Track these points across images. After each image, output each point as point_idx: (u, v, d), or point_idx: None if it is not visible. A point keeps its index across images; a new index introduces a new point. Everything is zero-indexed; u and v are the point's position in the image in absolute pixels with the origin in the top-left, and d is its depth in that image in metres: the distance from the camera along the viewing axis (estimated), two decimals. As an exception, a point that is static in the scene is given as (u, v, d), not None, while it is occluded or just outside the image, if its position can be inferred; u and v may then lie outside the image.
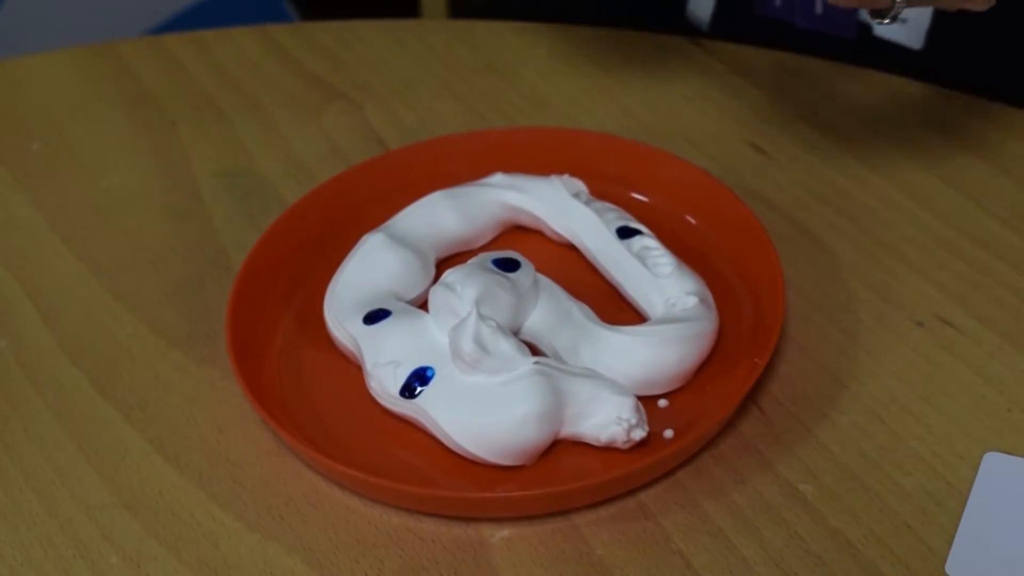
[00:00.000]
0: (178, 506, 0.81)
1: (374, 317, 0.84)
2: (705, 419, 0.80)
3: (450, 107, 1.04)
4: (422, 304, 0.86)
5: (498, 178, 0.92)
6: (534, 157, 0.94)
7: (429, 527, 0.79)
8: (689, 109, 1.02)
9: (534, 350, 0.83)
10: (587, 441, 0.80)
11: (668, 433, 0.81)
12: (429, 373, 0.81)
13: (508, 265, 0.85)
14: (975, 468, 0.79)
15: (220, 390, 0.86)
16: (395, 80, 1.06)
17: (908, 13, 1.02)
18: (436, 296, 0.83)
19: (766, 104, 1.01)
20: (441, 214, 0.91)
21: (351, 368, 0.85)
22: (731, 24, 1.07)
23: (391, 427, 0.82)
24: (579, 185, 0.92)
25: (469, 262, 0.85)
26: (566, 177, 0.92)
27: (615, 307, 0.87)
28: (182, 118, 1.05)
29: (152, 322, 0.91)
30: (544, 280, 0.86)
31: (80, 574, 0.78)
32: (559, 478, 0.79)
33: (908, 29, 1.04)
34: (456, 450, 0.80)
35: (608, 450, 0.80)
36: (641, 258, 0.86)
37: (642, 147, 0.94)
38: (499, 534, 0.78)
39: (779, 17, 1.05)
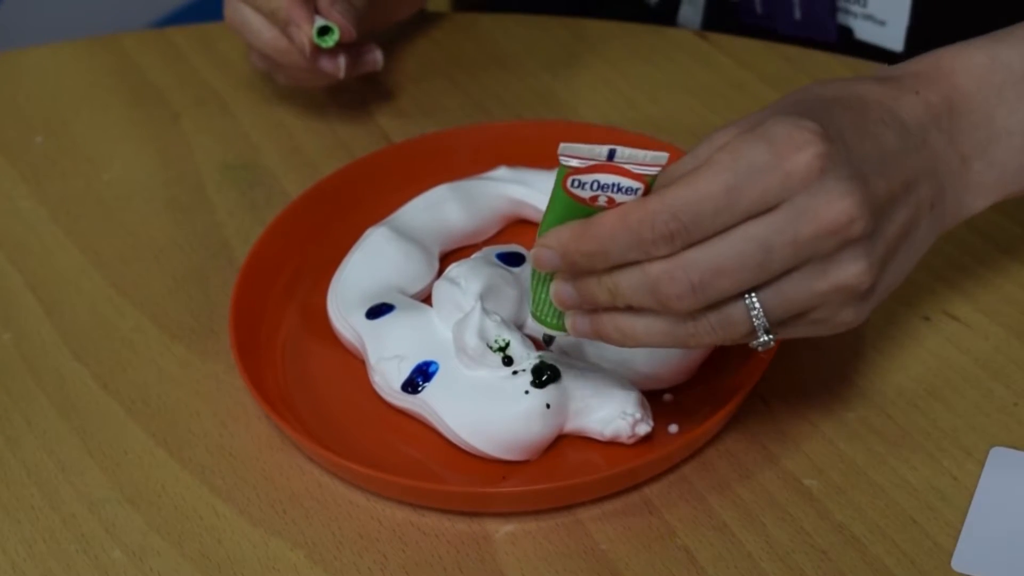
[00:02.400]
0: (181, 501, 0.81)
1: (378, 311, 0.84)
2: (710, 414, 0.80)
3: (454, 100, 1.04)
4: (426, 298, 0.86)
5: (502, 172, 0.92)
6: (538, 151, 0.93)
7: (433, 522, 0.78)
8: (694, 102, 1.01)
9: (539, 345, 0.83)
10: (591, 436, 0.80)
11: (673, 428, 0.80)
12: (432, 368, 0.81)
13: (512, 259, 0.85)
14: (982, 463, 0.78)
15: (223, 384, 0.86)
16: (399, 73, 1.06)
17: (886, 15, 1.02)
18: (440, 290, 0.83)
19: (771, 97, 1.00)
20: (445, 208, 0.90)
21: (355, 362, 0.85)
22: (719, 32, 1.07)
23: (395, 422, 0.82)
24: (584, 178, 0.91)
25: (473, 256, 0.85)
26: (571, 170, 0.91)
27: (620, 301, 0.86)
28: (186, 111, 1.05)
29: (155, 315, 0.90)
30: (548, 274, 0.86)
31: (83, 568, 0.78)
32: (563, 473, 0.79)
33: (887, 31, 1.03)
34: (460, 445, 0.80)
35: (612, 445, 0.79)
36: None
37: (647, 140, 0.93)
38: (503, 529, 0.78)
39: (762, 24, 1.06)
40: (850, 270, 0.71)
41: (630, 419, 0.78)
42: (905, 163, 0.74)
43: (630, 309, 0.71)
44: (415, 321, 0.83)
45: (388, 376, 0.82)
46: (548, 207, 0.72)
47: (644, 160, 0.70)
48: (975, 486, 0.77)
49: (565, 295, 0.73)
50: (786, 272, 0.70)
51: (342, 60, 0.96)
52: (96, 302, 0.92)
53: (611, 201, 0.70)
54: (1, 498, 0.82)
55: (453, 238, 0.90)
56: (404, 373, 0.81)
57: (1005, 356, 0.83)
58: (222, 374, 0.86)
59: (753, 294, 0.70)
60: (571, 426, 0.80)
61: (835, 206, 0.69)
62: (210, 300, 0.91)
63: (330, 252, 0.90)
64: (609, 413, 0.79)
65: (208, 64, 1.09)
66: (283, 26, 0.94)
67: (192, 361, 0.88)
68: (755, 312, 0.70)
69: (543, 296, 0.74)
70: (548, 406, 0.78)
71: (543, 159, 0.93)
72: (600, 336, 0.73)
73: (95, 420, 0.85)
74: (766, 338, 0.71)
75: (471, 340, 0.79)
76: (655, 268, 0.69)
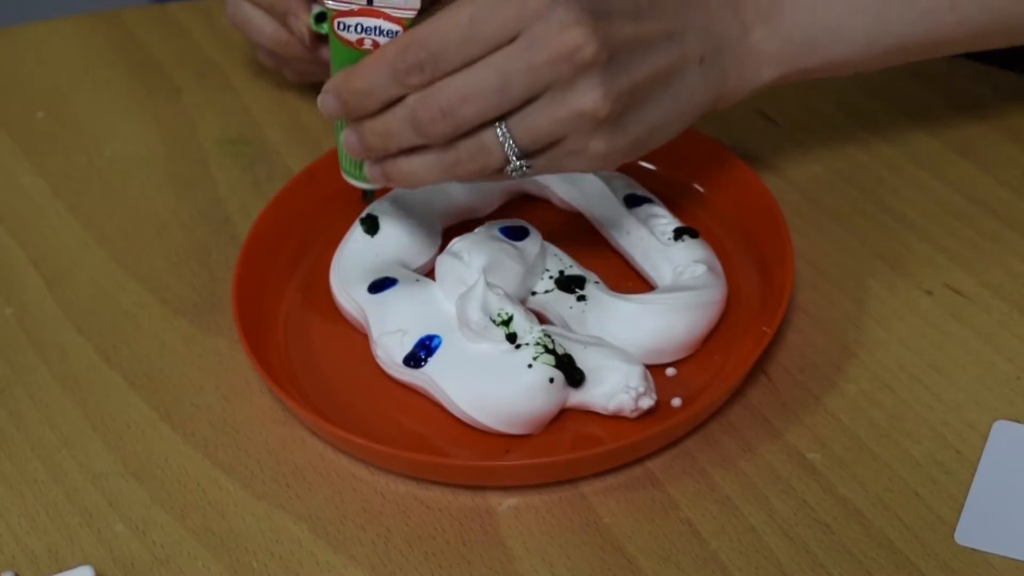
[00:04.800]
0: (184, 474, 0.81)
1: (380, 285, 0.84)
2: (713, 388, 0.80)
3: (456, 75, 1.03)
4: (429, 272, 0.86)
5: (505, 146, 0.92)
6: (541, 125, 0.93)
7: (436, 495, 0.78)
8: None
9: (541, 319, 0.83)
10: (595, 410, 0.80)
11: (676, 402, 0.80)
12: (435, 342, 0.81)
13: (516, 233, 0.85)
14: (984, 436, 0.78)
15: (226, 358, 0.86)
16: (401, 48, 1.06)
17: None
18: (443, 264, 0.83)
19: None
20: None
21: (358, 337, 0.85)
22: None
23: (398, 395, 0.82)
24: (586, 153, 0.91)
25: (476, 230, 0.84)
26: (573, 145, 0.91)
27: (623, 275, 0.86)
28: (187, 86, 1.05)
29: (158, 290, 0.90)
30: (551, 248, 0.86)
31: (86, 542, 0.78)
32: (566, 446, 0.79)
33: None
34: (463, 419, 0.80)
35: (616, 419, 0.79)
36: (649, 226, 0.86)
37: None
38: (506, 503, 0.78)
39: None
40: (587, 96, 0.75)
41: (633, 393, 0.78)
42: (670, 13, 0.78)
43: (405, 153, 0.77)
44: (418, 295, 0.83)
45: (391, 350, 0.82)
46: (331, 57, 0.80)
47: (400, 4, 0.77)
48: (978, 460, 0.77)
49: (350, 143, 0.78)
50: (529, 101, 0.75)
51: None
52: (98, 277, 0.92)
53: (376, 44, 0.78)
54: (4, 471, 0.82)
55: (456, 212, 0.90)
56: (407, 347, 0.81)
57: (1008, 330, 0.83)
58: (225, 348, 0.86)
59: (503, 122, 0.75)
60: (574, 400, 0.80)
61: (564, 34, 0.74)
62: (212, 275, 0.91)
63: (332, 227, 0.89)
64: (612, 387, 0.79)
65: (209, 39, 1.08)
66: (282, 18, 0.94)
67: (195, 335, 0.88)
68: (503, 137, 0.75)
69: (343, 150, 0.80)
70: (551, 380, 0.78)
71: (546, 133, 0.93)
72: (391, 180, 0.79)
73: (98, 394, 0.85)
74: (518, 163, 0.76)
75: (474, 314, 0.79)
76: (411, 98, 0.75)
